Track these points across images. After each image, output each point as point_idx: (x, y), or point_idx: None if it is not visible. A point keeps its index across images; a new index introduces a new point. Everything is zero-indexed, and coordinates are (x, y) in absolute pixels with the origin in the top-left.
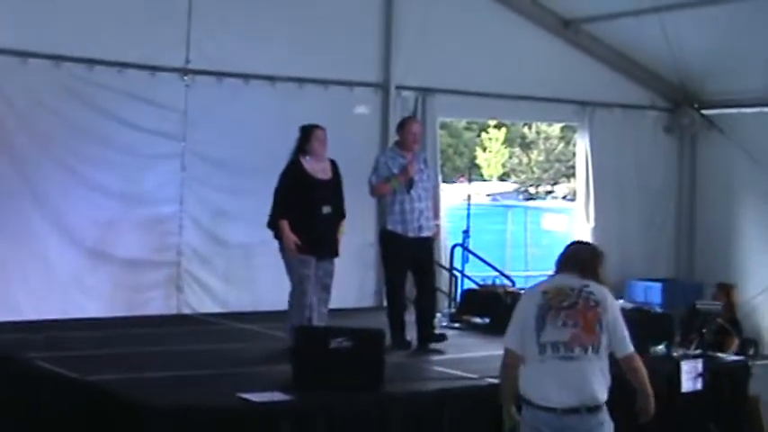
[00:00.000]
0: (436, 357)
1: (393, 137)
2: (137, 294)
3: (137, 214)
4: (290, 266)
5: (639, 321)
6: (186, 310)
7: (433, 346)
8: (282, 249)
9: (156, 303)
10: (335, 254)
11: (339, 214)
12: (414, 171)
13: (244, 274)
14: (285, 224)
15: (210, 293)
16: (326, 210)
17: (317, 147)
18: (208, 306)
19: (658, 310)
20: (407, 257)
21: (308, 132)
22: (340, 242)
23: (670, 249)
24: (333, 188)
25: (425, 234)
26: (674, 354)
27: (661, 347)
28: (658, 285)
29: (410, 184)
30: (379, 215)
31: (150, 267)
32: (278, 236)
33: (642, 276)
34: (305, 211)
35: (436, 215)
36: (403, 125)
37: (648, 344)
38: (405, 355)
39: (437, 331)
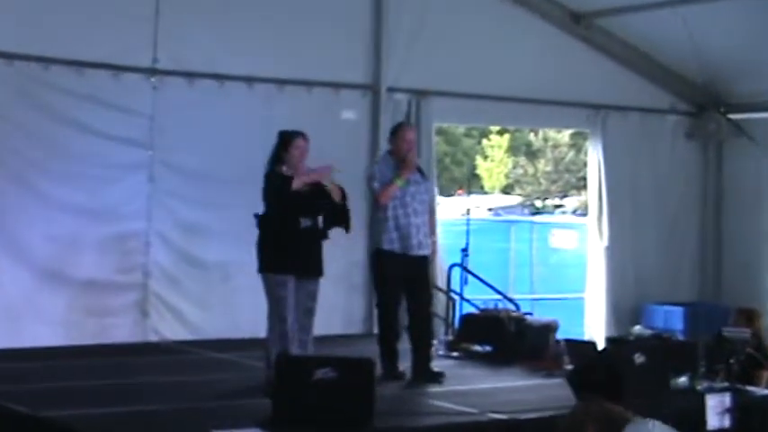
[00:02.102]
0: (432, 390)
1: (384, 144)
2: (98, 320)
3: (98, 231)
4: (267, 287)
5: (659, 350)
6: (154, 338)
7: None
8: (261, 269)
9: (121, 330)
10: (319, 273)
11: (331, 226)
12: (414, 160)
13: (219, 298)
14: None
15: (181, 319)
16: (306, 223)
17: (297, 157)
18: (178, 333)
19: (680, 337)
20: (403, 279)
21: (287, 140)
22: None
23: (693, 270)
24: (313, 199)
25: (424, 252)
26: (699, 387)
27: (683, 380)
28: (680, 310)
29: (420, 171)
30: (370, 234)
31: (113, 290)
32: (261, 248)
33: (662, 300)
34: (282, 224)
35: (432, 231)
36: (396, 132)
37: (669, 376)
38: (397, 387)
39: (434, 364)
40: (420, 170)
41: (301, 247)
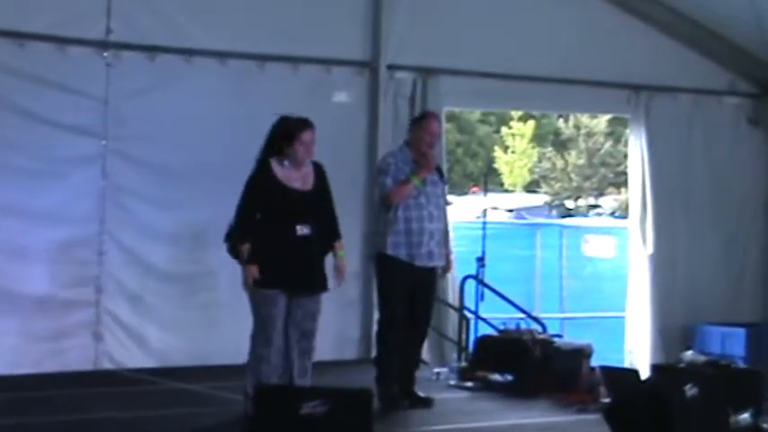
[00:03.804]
0: (441, 427)
1: (383, 132)
2: (41, 345)
3: (41, 237)
4: (252, 303)
5: (715, 381)
6: (108, 365)
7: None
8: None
9: (68, 356)
10: (320, 288)
11: (326, 235)
12: (434, 159)
13: (188, 318)
14: (244, 250)
15: (141, 342)
16: (302, 230)
17: (302, 152)
18: (138, 359)
19: (741, 364)
20: (409, 291)
21: (292, 130)
22: (342, 271)
23: (756, 283)
24: (314, 201)
25: (435, 263)
26: (764, 425)
27: (745, 416)
28: (741, 332)
29: (439, 170)
30: (373, 234)
31: (60, 308)
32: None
33: (719, 320)
34: (274, 230)
35: (446, 242)
36: (420, 121)
37: (728, 411)
38: (398, 422)
39: (444, 396)
40: (439, 169)
41: (296, 259)
